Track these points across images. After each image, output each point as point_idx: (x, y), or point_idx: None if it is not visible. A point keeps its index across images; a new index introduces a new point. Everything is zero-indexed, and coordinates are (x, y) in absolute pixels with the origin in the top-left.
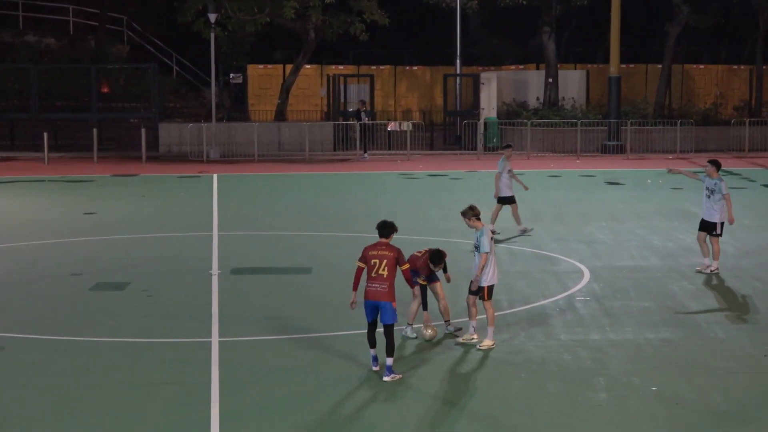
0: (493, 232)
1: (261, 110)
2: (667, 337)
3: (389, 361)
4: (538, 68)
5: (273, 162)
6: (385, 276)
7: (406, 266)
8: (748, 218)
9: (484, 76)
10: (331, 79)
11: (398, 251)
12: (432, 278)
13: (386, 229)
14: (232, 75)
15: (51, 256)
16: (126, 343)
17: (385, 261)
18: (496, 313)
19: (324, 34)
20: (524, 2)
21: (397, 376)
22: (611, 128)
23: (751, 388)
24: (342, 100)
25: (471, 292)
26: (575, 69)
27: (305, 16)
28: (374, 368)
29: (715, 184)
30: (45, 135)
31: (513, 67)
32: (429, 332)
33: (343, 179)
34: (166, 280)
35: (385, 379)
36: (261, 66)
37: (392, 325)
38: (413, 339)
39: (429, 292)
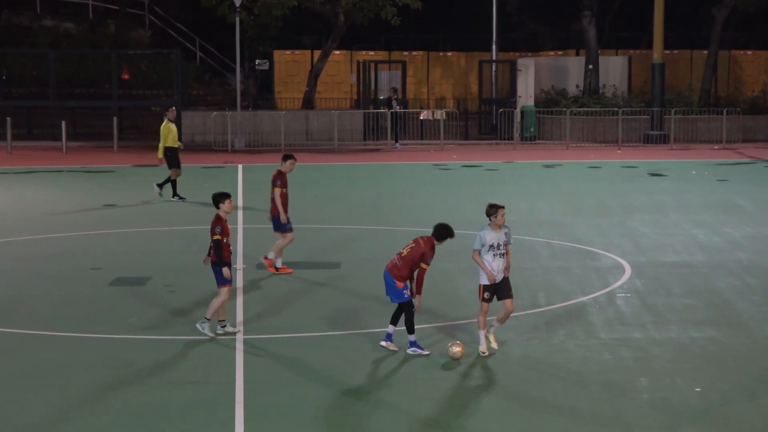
0: None
1: (288, 98)
2: (712, 336)
3: (410, 337)
4: (578, 54)
5: (300, 152)
6: (404, 255)
7: (426, 267)
8: None
9: (521, 62)
10: (361, 65)
11: (430, 251)
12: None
13: (438, 231)
14: (258, 61)
15: (69, 250)
16: (148, 340)
17: (413, 246)
18: (535, 311)
19: (354, 18)
20: None
21: (420, 352)
22: (654, 117)
23: None
24: (373, 87)
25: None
26: (617, 55)
27: None
28: (381, 343)
29: None
30: (63, 123)
31: (552, 53)
32: (456, 349)
33: (374, 170)
34: (189, 274)
35: (408, 351)
36: (288, 52)
37: (404, 304)
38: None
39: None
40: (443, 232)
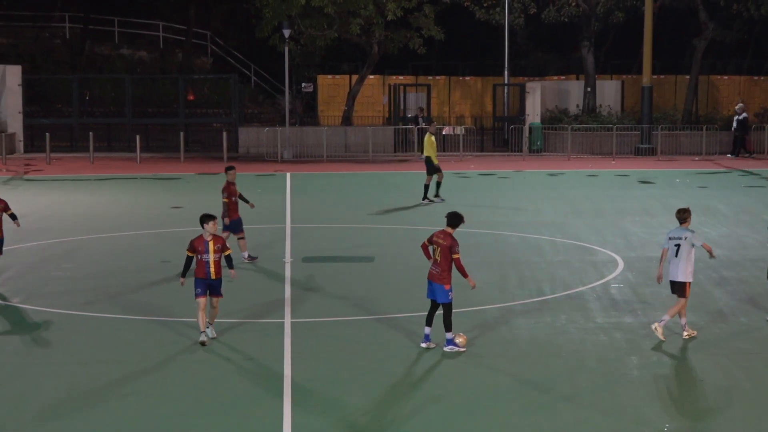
0: None
1: (329, 116)
2: (693, 321)
3: (448, 335)
4: (578, 78)
5: (340, 162)
6: (439, 261)
7: (457, 256)
8: (767, 213)
9: (529, 85)
10: (392, 88)
11: (452, 241)
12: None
13: (452, 218)
14: (303, 84)
15: (143, 245)
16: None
17: (439, 249)
18: (540, 298)
19: (386, 47)
20: (566, 20)
21: (457, 348)
22: (644, 132)
23: None
24: (402, 106)
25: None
26: (611, 79)
27: (369, 31)
28: (422, 345)
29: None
30: (137, 137)
31: (555, 77)
32: (460, 340)
33: (403, 177)
34: (245, 266)
35: (445, 349)
36: (330, 76)
37: (447, 304)
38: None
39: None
40: (455, 218)
